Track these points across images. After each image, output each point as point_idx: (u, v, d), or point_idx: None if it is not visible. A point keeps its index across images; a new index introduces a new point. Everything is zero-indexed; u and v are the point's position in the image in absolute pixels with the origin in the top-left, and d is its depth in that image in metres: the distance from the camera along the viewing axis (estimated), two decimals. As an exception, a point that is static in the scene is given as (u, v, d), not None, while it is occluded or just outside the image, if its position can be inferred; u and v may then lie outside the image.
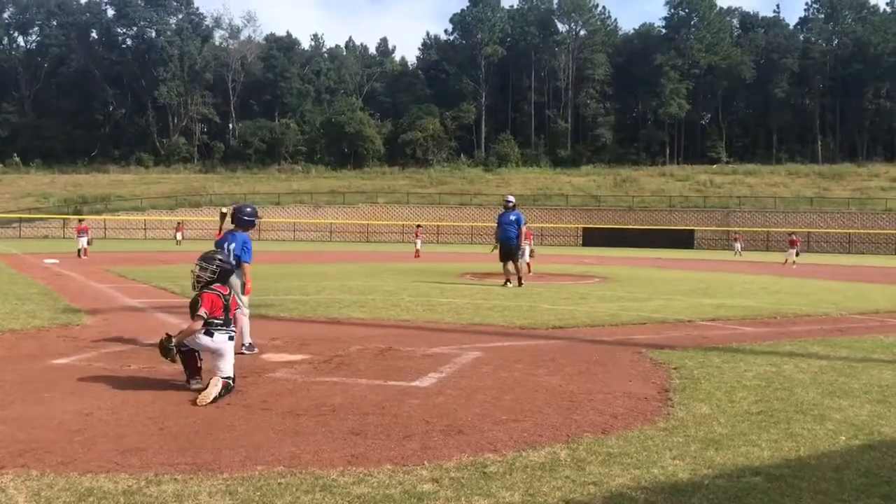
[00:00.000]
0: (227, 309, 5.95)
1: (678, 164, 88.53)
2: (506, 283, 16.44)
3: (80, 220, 31.16)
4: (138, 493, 3.57)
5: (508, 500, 3.54)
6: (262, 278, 17.12)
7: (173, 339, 5.83)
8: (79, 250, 28.55)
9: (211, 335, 5.80)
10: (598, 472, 3.96)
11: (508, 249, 16.68)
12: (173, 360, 5.88)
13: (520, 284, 16.43)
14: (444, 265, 25.69)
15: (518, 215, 16.98)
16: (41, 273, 19.22)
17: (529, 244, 21.55)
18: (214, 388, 5.49)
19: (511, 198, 17.63)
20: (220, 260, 6.12)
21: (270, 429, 4.77)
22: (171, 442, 4.46)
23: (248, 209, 7.86)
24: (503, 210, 17.24)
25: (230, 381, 5.72)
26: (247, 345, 7.68)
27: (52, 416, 5.01)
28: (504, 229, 16.82)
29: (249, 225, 7.80)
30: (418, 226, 39.42)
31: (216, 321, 5.84)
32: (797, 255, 33.01)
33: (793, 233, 37.03)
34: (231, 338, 5.92)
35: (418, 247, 35.33)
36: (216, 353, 5.79)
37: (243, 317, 7.65)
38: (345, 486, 3.68)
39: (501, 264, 16.90)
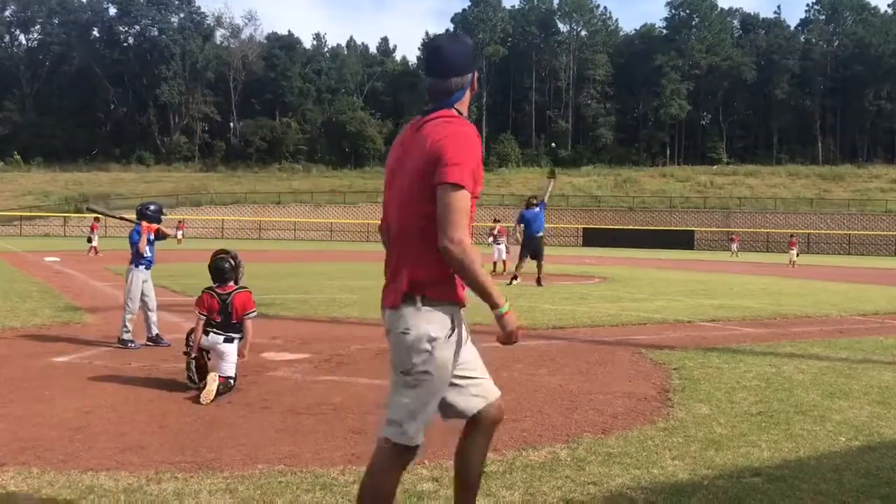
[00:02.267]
0: (224, 311, 5.87)
1: (678, 164, 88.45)
2: (512, 281, 16.59)
3: (96, 219, 31.58)
4: (139, 491, 3.58)
5: (508, 499, 3.55)
6: (264, 277, 17.12)
7: (192, 350, 5.86)
8: (93, 247, 28.90)
9: (206, 334, 5.82)
10: (597, 471, 3.96)
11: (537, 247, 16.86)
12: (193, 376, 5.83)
13: (539, 284, 16.44)
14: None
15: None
16: (42, 271, 19.23)
17: (505, 241, 21.93)
18: (213, 383, 5.51)
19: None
20: (210, 259, 6.10)
21: (271, 427, 4.78)
22: (172, 440, 4.47)
23: (152, 206, 8.29)
24: (528, 207, 17.30)
25: (230, 381, 5.72)
26: (153, 336, 8.04)
27: (52, 414, 5.02)
28: (535, 226, 16.94)
29: (154, 220, 8.19)
30: None
31: (212, 322, 5.86)
32: (797, 255, 33.58)
33: (792, 234, 37.28)
34: (228, 340, 5.84)
35: None
36: (214, 353, 5.82)
37: (150, 312, 8.09)
38: (345, 485, 3.69)
39: (519, 263, 17.02)
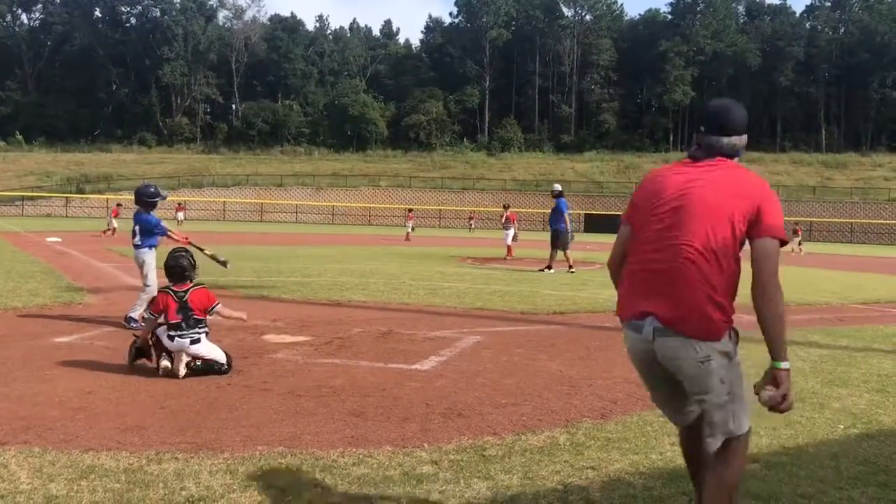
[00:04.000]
0: (183, 310, 5.72)
1: (682, 150, 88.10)
2: (546, 269, 16.70)
3: (118, 205, 32.35)
4: (139, 471, 3.59)
5: (507, 483, 3.56)
6: (265, 260, 17.14)
7: (138, 341, 5.88)
8: (112, 229, 28.96)
9: (171, 339, 5.67)
10: (596, 456, 3.98)
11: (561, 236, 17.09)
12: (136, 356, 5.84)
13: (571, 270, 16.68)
14: (446, 249, 25.69)
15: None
16: (43, 251, 19.25)
17: (514, 227, 22.00)
18: (180, 363, 5.59)
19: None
20: (168, 257, 6.06)
21: (271, 409, 4.79)
22: (172, 421, 4.49)
23: (151, 189, 8.20)
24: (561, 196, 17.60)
25: (223, 365, 5.71)
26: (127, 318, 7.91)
27: (54, 394, 5.04)
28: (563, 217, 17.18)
29: (150, 206, 8.10)
30: (409, 210, 39.44)
31: (172, 325, 5.69)
32: (800, 243, 33.51)
33: (796, 223, 37.31)
34: (194, 341, 5.67)
35: (409, 230, 35.44)
36: (190, 356, 5.74)
37: (143, 294, 7.94)
38: (345, 467, 3.70)
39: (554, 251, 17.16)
